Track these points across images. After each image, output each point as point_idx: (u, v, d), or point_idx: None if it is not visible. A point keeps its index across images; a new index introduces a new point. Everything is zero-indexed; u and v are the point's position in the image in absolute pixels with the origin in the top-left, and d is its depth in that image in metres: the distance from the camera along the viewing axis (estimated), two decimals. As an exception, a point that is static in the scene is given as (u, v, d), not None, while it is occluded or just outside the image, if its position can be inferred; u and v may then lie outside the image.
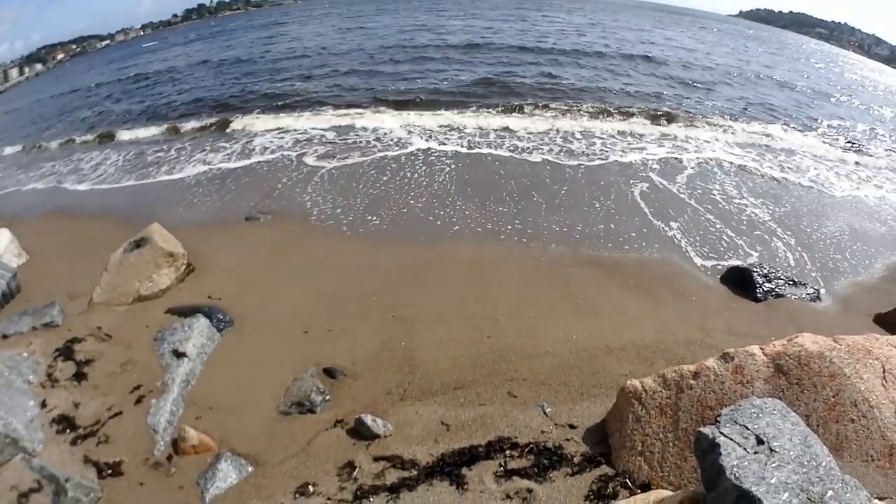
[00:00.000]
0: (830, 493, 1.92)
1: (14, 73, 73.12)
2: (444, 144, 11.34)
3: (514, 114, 13.65)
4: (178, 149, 12.78)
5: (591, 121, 13.16)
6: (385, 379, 4.58)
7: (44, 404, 4.22)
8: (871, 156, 12.76)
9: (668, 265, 6.46)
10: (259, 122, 14.04)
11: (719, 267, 6.53)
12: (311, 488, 3.53)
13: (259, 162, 11.04)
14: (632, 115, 13.69)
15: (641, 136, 12.21)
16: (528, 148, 11.14)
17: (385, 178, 9.45)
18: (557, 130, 12.32)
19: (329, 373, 4.64)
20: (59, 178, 12.15)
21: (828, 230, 7.99)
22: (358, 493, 3.44)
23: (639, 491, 3.17)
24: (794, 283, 6.06)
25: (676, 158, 10.78)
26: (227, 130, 13.88)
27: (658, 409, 3.46)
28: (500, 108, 13.99)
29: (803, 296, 5.93)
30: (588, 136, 11.97)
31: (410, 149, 11.08)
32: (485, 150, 10.98)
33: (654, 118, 13.52)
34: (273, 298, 5.80)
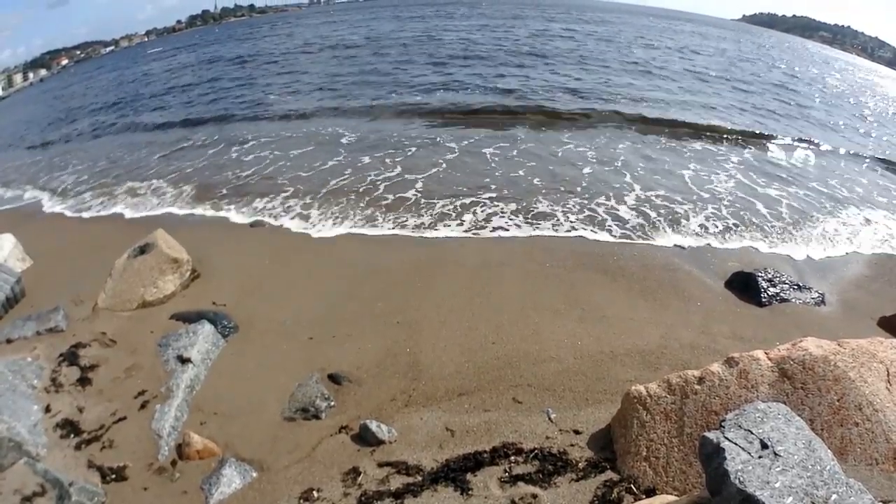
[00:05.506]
0: (835, 496, 1.92)
1: (18, 78, 73.74)
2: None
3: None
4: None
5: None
6: (389, 385, 4.57)
7: (48, 409, 4.23)
8: None
9: (672, 270, 6.44)
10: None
11: (723, 271, 6.50)
12: (315, 494, 3.52)
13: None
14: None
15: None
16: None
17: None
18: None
19: (333, 378, 4.64)
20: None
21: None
22: (362, 498, 3.43)
23: (644, 496, 3.17)
24: (799, 288, 6.04)
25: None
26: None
27: (663, 415, 3.45)
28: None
29: (808, 300, 5.91)
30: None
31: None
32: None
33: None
34: (277, 304, 5.81)
